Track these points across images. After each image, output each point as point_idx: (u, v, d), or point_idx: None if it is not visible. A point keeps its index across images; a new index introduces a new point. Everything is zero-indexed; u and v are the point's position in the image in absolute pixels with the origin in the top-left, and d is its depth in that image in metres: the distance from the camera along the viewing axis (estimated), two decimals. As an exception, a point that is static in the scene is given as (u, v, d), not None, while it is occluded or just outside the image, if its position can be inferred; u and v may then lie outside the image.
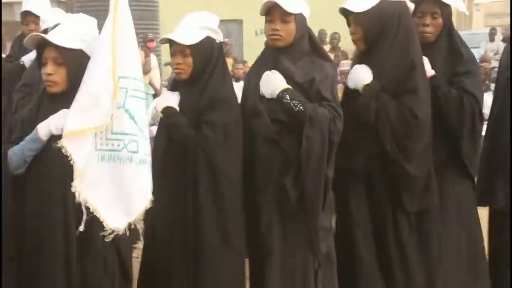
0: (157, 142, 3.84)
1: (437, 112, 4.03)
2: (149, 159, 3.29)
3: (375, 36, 3.90)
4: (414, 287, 3.99)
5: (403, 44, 3.89)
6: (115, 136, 3.23)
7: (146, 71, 12.66)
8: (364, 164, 3.94)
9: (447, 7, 4.17)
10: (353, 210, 3.98)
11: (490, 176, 4.22)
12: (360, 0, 3.91)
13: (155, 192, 3.30)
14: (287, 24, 3.81)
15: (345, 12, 3.97)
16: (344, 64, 11.79)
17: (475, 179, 4.23)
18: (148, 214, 3.33)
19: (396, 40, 3.89)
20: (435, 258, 4.02)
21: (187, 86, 3.83)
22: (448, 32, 4.20)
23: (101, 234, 3.21)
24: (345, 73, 13.06)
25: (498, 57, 15.22)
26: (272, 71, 3.83)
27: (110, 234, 3.21)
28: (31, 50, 5.41)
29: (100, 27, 3.31)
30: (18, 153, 3.30)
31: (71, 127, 3.17)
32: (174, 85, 3.96)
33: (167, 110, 3.80)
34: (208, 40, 3.78)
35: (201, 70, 3.78)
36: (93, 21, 3.50)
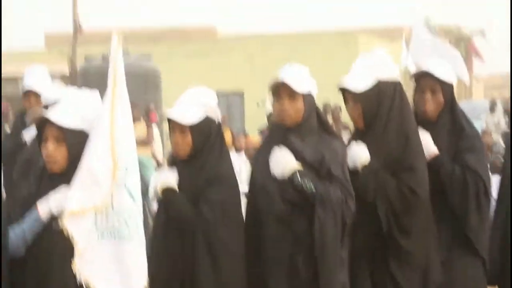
0: (156, 219, 3.84)
1: (442, 189, 4.03)
2: (143, 236, 3.29)
3: (372, 115, 3.94)
4: None
5: (398, 122, 3.93)
6: (116, 214, 3.22)
7: (148, 142, 12.69)
8: (364, 241, 3.91)
9: (448, 84, 4.19)
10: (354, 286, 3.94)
11: (504, 256, 4.12)
12: (358, 79, 3.95)
13: (155, 268, 3.30)
14: (295, 103, 3.82)
15: (343, 90, 4.00)
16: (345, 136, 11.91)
17: (483, 256, 4.13)
18: None
19: (391, 118, 3.93)
20: None
21: (185, 163, 3.84)
22: (451, 108, 4.20)
23: None
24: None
25: (499, 130, 15.29)
26: (281, 147, 3.81)
27: None
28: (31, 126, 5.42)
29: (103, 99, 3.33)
30: (18, 234, 3.26)
31: (72, 207, 3.17)
32: (172, 161, 3.96)
33: (165, 189, 3.79)
34: (207, 120, 3.81)
35: (200, 148, 3.80)
36: (96, 96, 3.52)
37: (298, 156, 3.79)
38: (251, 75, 21.61)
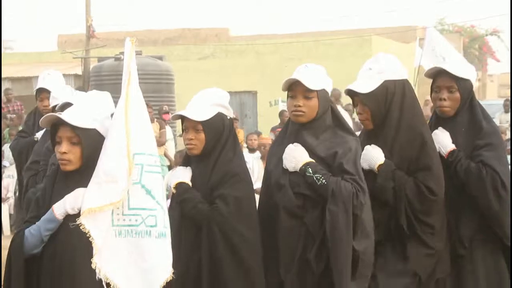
0: (170, 216, 3.85)
1: (461, 184, 4.05)
2: (168, 231, 3.31)
3: (381, 115, 3.95)
4: None
5: (410, 121, 3.94)
6: (133, 212, 3.25)
7: (161, 142, 12.75)
8: (380, 239, 3.92)
9: (465, 81, 4.18)
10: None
11: None
12: (365, 81, 3.97)
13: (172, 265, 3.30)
14: (309, 101, 3.85)
15: (351, 93, 4.02)
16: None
17: (508, 243, 4.12)
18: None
19: (403, 118, 3.94)
20: None
21: (199, 161, 3.88)
22: (470, 105, 4.20)
23: None
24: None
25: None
26: (295, 144, 3.86)
27: None
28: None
29: (115, 100, 3.36)
30: (34, 233, 3.32)
31: (89, 205, 3.21)
32: (186, 160, 3.99)
33: (180, 186, 3.84)
34: (219, 116, 3.84)
35: (213, 145, 3.83)
36: (107, 97, 3.55)
37: (311, 152, 3.83)
38: (264, 75, 21.63)
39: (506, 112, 17.88)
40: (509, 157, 10.58)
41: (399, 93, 3.94)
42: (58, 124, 3.36)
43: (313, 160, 3.80)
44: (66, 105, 4.16)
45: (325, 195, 3.74)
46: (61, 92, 5.58)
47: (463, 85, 4.17)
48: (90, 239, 3.19)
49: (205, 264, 3.72)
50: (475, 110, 4.20)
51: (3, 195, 12.44)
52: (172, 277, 3.27)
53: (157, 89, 15.32)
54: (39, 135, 5.82)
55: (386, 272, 3.94)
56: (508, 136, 12.40)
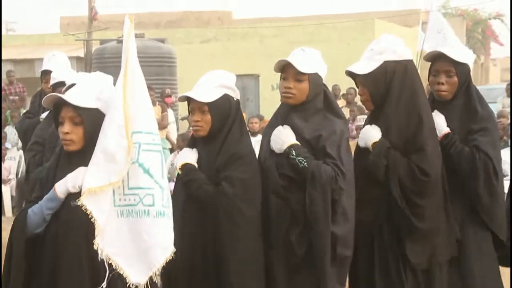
0: (175, 198, 3.87)
1: (454, 168, 4.05)
2: (168, 210, 3.30)
3: (381, 96, 3.95)
4: None
5: (409, 101, 3.93)
6: (131, 191, 3.25)
7: (163, 125, 12.75)
8: (374, 218, 3.95)
9: (462, 65, 4.20)
10: (363, 265, 3.99)
11: None
12: (365, 62, 3.98)
13: (176, 243, 3.31)
14: (300, 83, 3.89)
15: (351, 74, 4.03)
16: (360, 119, 11.88)
17: (499, 235, 4.14)
18: (167, 267, 3.32)
19: (402, 98, 3.93)
20: None
21: (205, 143, 3.88)
22: (466, 89, 4.21)
23: None
24: (360, 128, 13.08)
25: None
26: (284, 126, 3.90)
27: None
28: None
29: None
30: (37, 212, 3.34)
31: (89, 185, 3.21)
32: (192, 142, 4.00)
33: (185, 167, 3.85)
34: (225, 98, 3.84)
35: (219, 127, 3.83)
36: (109, 79, 3.56)
37: (298, 134, 3.87)
38: (266, 59, 21.61)
39: (508, 96, 17.86)
40: (509, 141, 10.56)
41: (399, 74, 3.94)
42: (60, 105, 3.37)
43: (298, 143, 3.84)
44: (72, 86, 4.16)
45: (305, 178, 3.78)
46: (61, 72, 5.60)
47: (461, 69, 4.19)
48: (92, 220, 3.20)
49: (209, 245, 3.73)
50: (471, 94, 4.21)
51: (4, 177, 12.46)
52: (172, 256, 3.27)
53: (159, 72, 15.31)
54: (44, 116, 5.84)
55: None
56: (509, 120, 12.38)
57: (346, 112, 14.28)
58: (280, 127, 3.91)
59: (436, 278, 3.98)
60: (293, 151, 3.82)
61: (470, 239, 4.10)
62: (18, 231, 3.34)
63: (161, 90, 14.44)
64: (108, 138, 3.22)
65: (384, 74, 3.93)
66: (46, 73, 6.15)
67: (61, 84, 5.30)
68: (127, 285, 3.22)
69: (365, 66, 3.96)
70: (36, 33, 27.15)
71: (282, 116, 3.97)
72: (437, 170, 3.93)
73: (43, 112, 5.96)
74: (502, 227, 4.14)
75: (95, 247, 3.19)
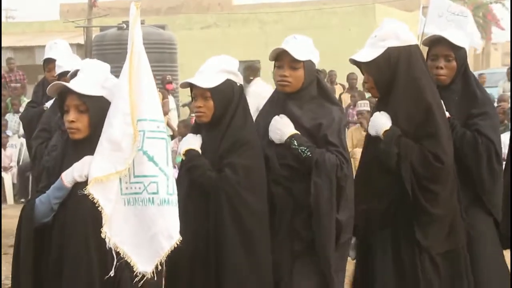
0: (179, 184, 3.87)
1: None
2: (173, 198, 3.28)
3: (386, 82, 3.92)
4: None
5: (417, 87, 3.89)
6: (137, 179, 3.25)
7: (164, 112, 12.67)
8: (387, 206, 3.93)
9: (460, 49, 4.19)
10: (375, 254, 3.96)
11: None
12: (368, 49, 3.95)
13: (180, 230, 3.30)
14: (295, 71, 3.88)
15: (356, 62, 4.00)
16: (361, 105, 11.84)
17: (498, 219, 4.14)
18: (170, 255, 3.31)
19: (408, 84, 3.90)
20: None
21: (209, 129, 3.87)
22: (464, 74, 4.21)
23: (133, 279, 3.22)
24: (362, 113, 13.03)
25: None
26: (281, 116, 3.89)
27: (139, 277, 3.22)
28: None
29: (117, 70, 3.34)
30: (44, 202, 3.34)
31: (96, 174, 3.21)
32: (196, 128, 3.99)
33: (189, 153, 3.84)
34: (228, 83, 3.82)
35: (222, 112, 3.82)
36: (107, 67, 3.54)
37: (296, 122, 3.87)
38: (267, 45, 21.56)
39: (509, 80, 17.85)
40: (510, 125, 10.54)
41: (404, 59, 3.90)
42: (65, 93, 3.36)
43: (298, 132, 3.84)
44: (77, 73, 4.15)
45: (309, 167, 3.79)
46: (66, 60, 5.59)
47: (460, 53, 4.18)
48: (99, 208, 3.19)
49: (212, 232, 3.73)
50: (469, 79, 4.21)
51: (6, 164, 12.47)
52: (177, 244, 3.27)
53: (160, 59, 15.27)
54: (48, 104, 5.84)
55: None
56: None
57: (347, 97, 14.26)
58: (277, 117, 3.90)
59: (457, 262, 3.96)
60: (295, 141, 3.82)
61: (476, 224, 4.10)
62: (26, 220, 3.34)
63: (161, 77, 14.42)
64: (114, 126, 3.21)
65: (388, 61, 3.89)
66: (49, 62, 6.14)
67: (66, 73, 5.29)
68: (134, 273, 3.22)
69: (368, 53, 3.93)
70: (35, 21, 27.11)
71: (278, 105, 3.96)
72: (450, 155, 3.91)
73: (46, 101, 5.96)
74: (499, 208, 4.11)
75: (102, 235, 3.19)
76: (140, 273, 3.22)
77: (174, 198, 3.29)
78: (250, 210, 3.73)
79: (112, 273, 3.22)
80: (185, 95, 14.67)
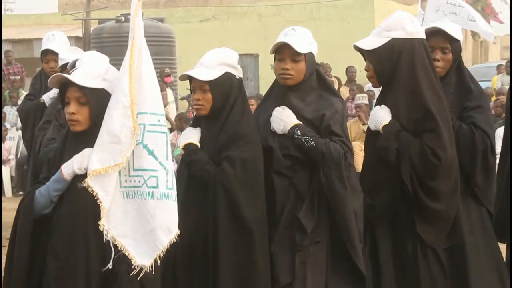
0: (178, 178, 3.86)
1: None
2: (172, 193, 3.27)
3: (387, 74, 3.91)
4: None
5: (416, 85, 3.88)
6: (136, 173, 3.24)
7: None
8: (388, 202, 3.94)
9: (457, 42, 4.18)
10: (380, 249, 3.98)
11: (506, 212, 4.16)
12: (372, 38, 3.94)
13: (178, 227, 3.29)
14: (297, 64, 3.87)
15: (359, 49, 4.00)
16: (359, 98, 11.83)
17: (492, 212, 4.16)
18: (169, 249, 3.31)
19: (409, 80, 3.89)
20: None
21: (207, 122, 3.87)
22: (458, 67, 4.21)
23: (130, 272, 3.22)
24: (360, 107, 12.99)
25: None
26: (282, 107, 3.89)
27: (137, 271, 3.21)
28: (51, 88, 5.48)
29: (116, 63, 3.34)
30: (44, 193, 3.34)
31: (94, 167, 3.21)
32: (196, 121, 3.98)
33: (188, 147, 3.84)
34: (227, 76, 3.81)
35: (221, 105, 3.81)
36: (106, 59, 3.53)
37: (298, 114, 3.87)
38: (266, 38, 21.56)
39: (507, 74, 17.86)
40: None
41: (407, 53, 3.89)
42: (66, 85, 3.35)
43: (301, 123, 3.84)
44: (75, 63, 4.13)
45: (314, 157, 3.80)
46: (69, 53, 5.58)
47: (455, 46, 4.18)
48: (97, 201, 3.19)
49: (210, 226, 3.72)
50: (462, 72, 4.21)
51: (4, 157, 12.47)
52: (176, 239, 3.26)
53: (158, 52, 15.27)
54: (45, 97, 5.83)
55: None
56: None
57: (345, 91, 14.25)
58: (278, 108, 3.89)
59: (461, 255, 3.98)
60: (298, 131, 3.82)
61: (472, 216, 4.11)
62: (24, 212, 3.34)
63: (160, 70, 14.41)
64: (113, 119, 3.20)
65: (390, 52, 3.88)
66: (46, 53, 6.12)
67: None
68: (132, 266, 3.21)
69: (372, 41, 3.93)
70: (34, 13, 27.07)
71: (278, 97, 3.95)
72: (450, 152, 3.88)
73: (44, 94, 5.95)
74: (492, 201, 4.15)
75: (100, 228, 3.18)
76: (138, 267, 3.21)
77: (174, 192, 3.28)
78: (247, 204, 3.72)
79: (110, 266, 3.22)
80: (183, 88, 14.68)
